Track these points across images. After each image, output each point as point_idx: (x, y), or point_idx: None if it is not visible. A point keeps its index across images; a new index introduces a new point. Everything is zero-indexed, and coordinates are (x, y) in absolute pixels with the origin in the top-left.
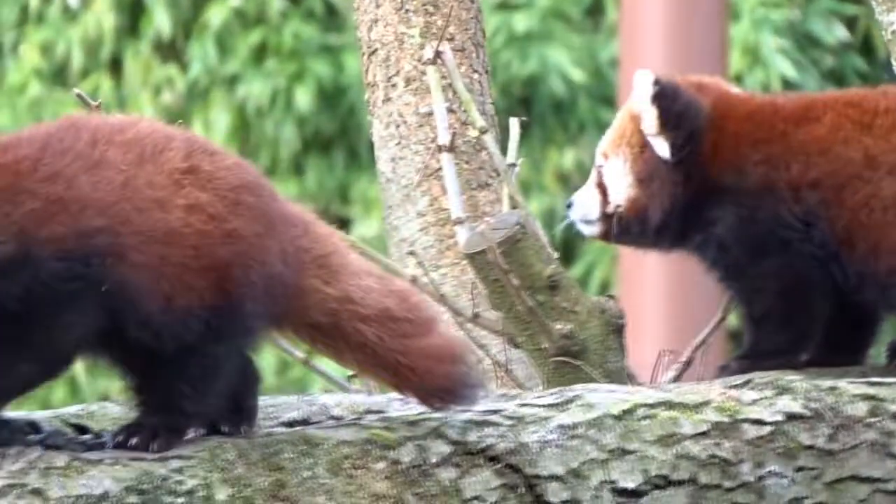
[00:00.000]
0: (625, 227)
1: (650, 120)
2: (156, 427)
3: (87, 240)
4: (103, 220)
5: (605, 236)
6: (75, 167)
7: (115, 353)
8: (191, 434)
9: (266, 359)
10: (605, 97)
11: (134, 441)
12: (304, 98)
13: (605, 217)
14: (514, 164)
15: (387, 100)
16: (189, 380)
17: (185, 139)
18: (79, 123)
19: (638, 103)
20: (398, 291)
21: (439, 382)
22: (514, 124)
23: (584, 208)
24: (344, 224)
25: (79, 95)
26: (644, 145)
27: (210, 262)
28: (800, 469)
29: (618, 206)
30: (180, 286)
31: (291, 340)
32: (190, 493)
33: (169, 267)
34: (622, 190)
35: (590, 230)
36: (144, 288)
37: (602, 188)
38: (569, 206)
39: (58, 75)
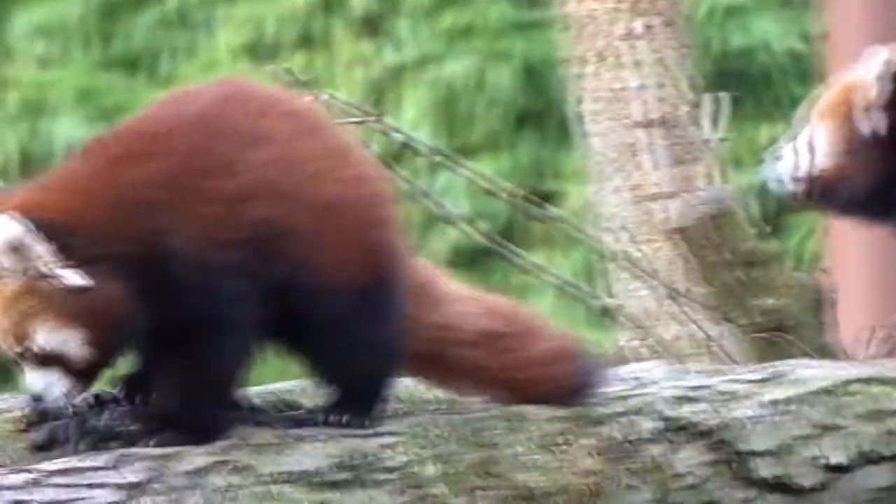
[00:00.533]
0: (827, 192)
1: (877, 96)
2: (357, 404)
3: (257, 229)
4: (270, 204)
5: (806, 196)
6: (234, 146)
7: (291, 338)
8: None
9: None
10: (806, 72)
11: (345, 419)
12: (506, 75)
13: (810, 178)
14: (724, 139)
15: (594, 75)
16: (368, 359)
17: (341, 129)
18: (230, 93)
19: (866, 77)
20: (494, 308)
21: (562, 384)
22: (724, 99)
23: (792, 164)
24: (550, 198)
25: (288, 70)
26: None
27: (364, 238)
28: None
29: (823, 170)
30: (335, 258)
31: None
32: (400, 468)
33: (325, 237)
34: (831, 155)
35: (791, 187)
36: (304, 259)
37: (811, 148)
38: (777, 158)
39: (258, 52)
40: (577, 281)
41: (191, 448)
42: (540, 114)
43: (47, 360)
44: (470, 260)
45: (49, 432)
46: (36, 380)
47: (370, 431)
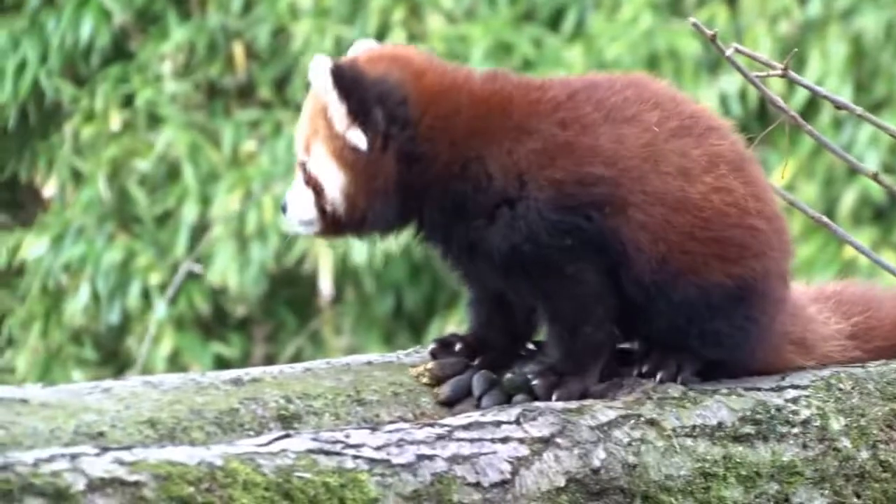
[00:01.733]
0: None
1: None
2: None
3: (587, 188)
4: (610, 170)
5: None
6: (596, 117)
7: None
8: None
9: None
10: None
11: (661, 374)
12: None
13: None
14: None
15: None
16: (697, 336)
17: (739, 140)
18: (638, 83)
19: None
20: (851, 300)
21: None
22: None
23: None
24: None
25: (695, 25)
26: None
27: (719, 237)
28: None
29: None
30: (678, 250)
31: None
32: (805, 422)
33: (672, 232)
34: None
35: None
36: (641, 246)
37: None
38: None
39: (672, 5)
40: None
41: (595, 402)
42: None
43: (310, 181)
44: (875, 215)
45: (454, 387)
46: (294, 192)
47: (774, 385)
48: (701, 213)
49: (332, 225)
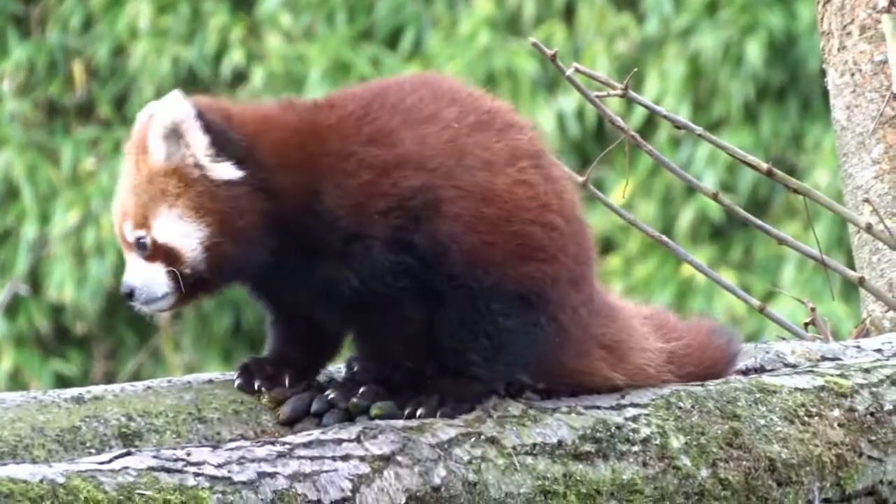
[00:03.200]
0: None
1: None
2: (446, 393)
3: (407, 203)
4: (420, 175)
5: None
6: (395, 123)
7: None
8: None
9: (717, 307)
10: None
11: (420, 411)
12: (754, 49)
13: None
14: None
15: (841, 48)
16: (479, 349)
17: (538, 137)
18: (430, 81)
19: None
20: (667, 326)
21: (725, 357)
22: None
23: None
24: (797, 173)
25: (534, 44)
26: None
27: (519, 231)
28: None
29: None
30: (485, 241)
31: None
32: (645, 441)
33: (482, 223)
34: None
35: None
36: (456, 238)
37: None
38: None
39: (510, 24)
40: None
41: (435, 420)
42: (782, 88)
43: (157, 254)
44: (713, 233)
45: (294, 406)
46: (137, 273)
47: (614, 404)
48: (505, 205)
49: (192, 288)
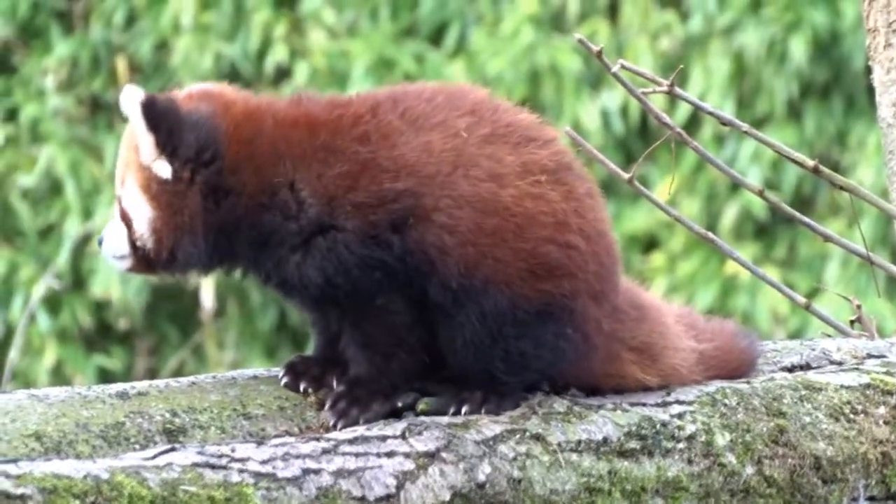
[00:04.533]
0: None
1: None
2: (489, 390)
3: (387, 206)
4: (409, 181)
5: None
6: (398, 125)
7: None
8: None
9: (761, 305)
10: None
11: (465, 408)
12: (799, 46)
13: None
14: None
15: (888, 45)
16: (502, 357)
17: (563, 152)
18: (453, 91)
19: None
20: (696, 327)
21: (748, 358)
22: None
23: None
24: (842, 170)
25: (580, 41)
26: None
27: (534, 250)
28: None
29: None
30: (489, 255)
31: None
32: (690, 438)
33: (482, 236)
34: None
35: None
36: (447, 249)
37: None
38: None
39: (554, 21)
40: (871, 252)
41: (480, 417)
42: (826, 86)
43: (123, 216)
44: (757, 230)
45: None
46: (109, 226)
47: (659, 401)
48: (513, 218)
49: (143, 261)
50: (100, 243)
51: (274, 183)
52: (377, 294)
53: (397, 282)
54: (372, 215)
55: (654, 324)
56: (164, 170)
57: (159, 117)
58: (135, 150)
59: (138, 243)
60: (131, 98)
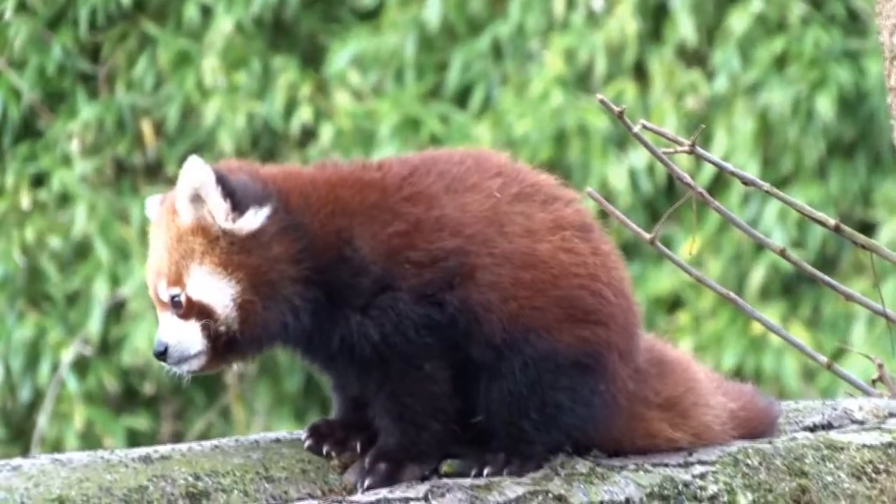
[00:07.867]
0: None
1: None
2: (512, 451)
3: (439, 264)
4: (456, 240)
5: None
6: (438, 188)
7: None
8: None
9: (788, 364)
10: None
11: (487, 469)
12: (824, 105)
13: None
14: None
15: None
16: (538, 408)
17: (585, 211)
18: (479, 155)
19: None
20: (723, 387)
21: (768, 419)
22: None
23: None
24: (868, 228)
25: (602, 101)
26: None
27: (568, 296)
28: None
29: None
30: (528, 306)
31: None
32: (713, 498)
33: (521, 289)
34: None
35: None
36: (491, 306)
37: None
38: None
39: (581, 82)
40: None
41: (503, 478)
42: (851, 143)
43: (191, 311)
44: (784, 289)
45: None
46: (171, 330)
47: (681, 461)
48: (549, 270)
49: (226, 348)
50: (160, 353)
51: (337, 239)
52: (427, 360)
53: (446, 344)
54: (427, 273)
55: (680, 379)
56: (251, 222)
57: (227, 182)
58: (195, 234)
59: (221, 329)
60: (197, 172)
